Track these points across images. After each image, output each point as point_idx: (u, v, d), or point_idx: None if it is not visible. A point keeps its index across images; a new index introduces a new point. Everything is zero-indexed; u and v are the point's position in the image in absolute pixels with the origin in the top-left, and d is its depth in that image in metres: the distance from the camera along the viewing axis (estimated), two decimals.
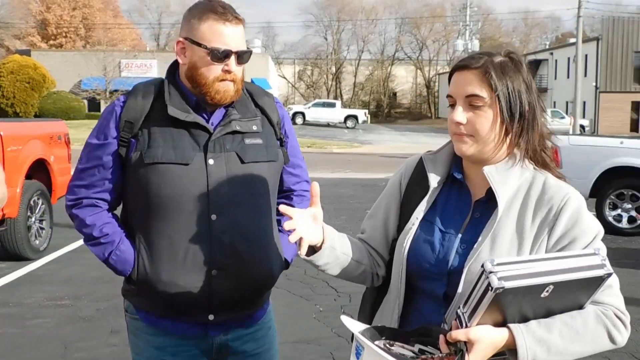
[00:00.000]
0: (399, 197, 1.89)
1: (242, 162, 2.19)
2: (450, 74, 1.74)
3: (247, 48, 2.20)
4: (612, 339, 1.60)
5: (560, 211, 1.64)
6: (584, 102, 39.12)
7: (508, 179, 1.69)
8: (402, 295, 1.78)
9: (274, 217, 2.32)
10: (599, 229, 1.66)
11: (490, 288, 1.41)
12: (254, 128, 2.25)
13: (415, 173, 1.88)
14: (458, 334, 1.49)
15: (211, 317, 2.19)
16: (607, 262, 1.51)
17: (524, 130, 1.69)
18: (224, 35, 2.13)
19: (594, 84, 48.34)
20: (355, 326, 1.61)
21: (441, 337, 1.54)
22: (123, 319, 2.38)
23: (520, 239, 1.65)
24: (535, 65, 62.15)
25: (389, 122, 75.89)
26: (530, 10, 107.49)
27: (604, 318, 1.59)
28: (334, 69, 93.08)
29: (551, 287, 1.46)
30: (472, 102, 1.67)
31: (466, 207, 1.76)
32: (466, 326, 1.50)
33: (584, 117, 38.91)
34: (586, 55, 41.69)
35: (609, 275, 1.50)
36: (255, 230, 2.22)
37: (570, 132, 34.49)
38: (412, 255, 1.75)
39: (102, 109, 33.20)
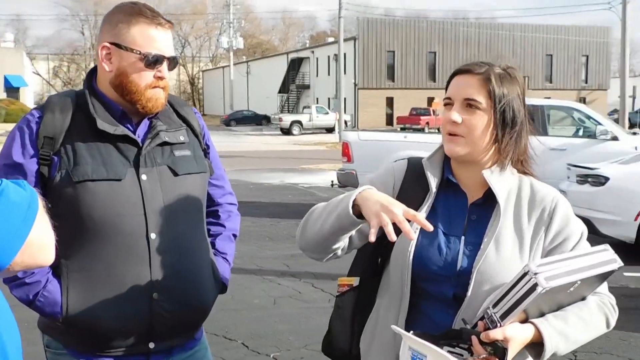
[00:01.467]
0: None
1: (175, 174, 2.06)
2: (450, 78, 1.82)
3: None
4: (608, 325, 1.77)
5: (554, 211, 1.79)
6: (345, 99, 41.42)
7: (503, 182, 1.80)
8: (407, 299, 1.80)
9: (206, 233, 2.21)
10: (584, 227, 1.82)
11: (536, 288, 1.50)
12: (182, 139, 2.14)
13: (408, 178, 1.90)
14: (495, 334, 1.56)
15: (152, 345, 2.02)
16: (617, 256, 1.67)
17: (512, 139, 1.79)
18: (157, 39, 2.00)
19: (353, 81, 51.36)
20: (407, 334, 1.61)
21: (474, 338, 1.59)
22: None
23: (520, 238, 1.76)
24: (298, 63, 64.62)
25: None
26: (288, 10, 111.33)
27: (603, 307, 1.76)
28: (92, 65, 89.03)
29: (578, 282, 1.59)
30: (469, 104, 1.76)
31: (463, 209, 1.83)
32: (499, 326, 1.57)
33: (345, 112, 41.14)
34: (345, 54, 44.01)
35: (619, 267, 1.66)
36: (193, 248, 2.10)
37: (336, 127, 36.44)
38: (418, 260, 1.77)
39: None
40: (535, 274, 1.52)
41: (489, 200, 1.80)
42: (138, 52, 1.97)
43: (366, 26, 52.08)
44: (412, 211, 1.58)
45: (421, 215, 1.58)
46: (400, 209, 1.57)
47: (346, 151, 11.58)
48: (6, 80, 51.92)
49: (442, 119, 1.82)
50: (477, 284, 1.70)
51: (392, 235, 1.54)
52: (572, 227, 1.79)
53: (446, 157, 1.88)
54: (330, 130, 44.88)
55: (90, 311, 1.95)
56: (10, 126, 43.82)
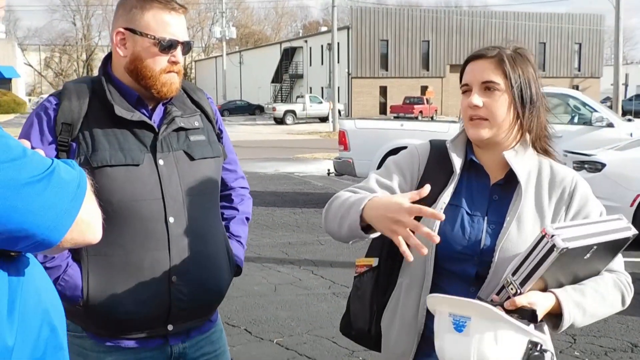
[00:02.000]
0: (415, 183, 1.92)
1: (192, 159, 2.09)
2: (464, 65, 1.87)
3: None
4: (624, 302, 1.81)
5: (574, 191, 1.84)
6: (338, 88, 41.44)
7: (524, 163, 1.85)
8: (431, 278, 1.84)
9: (220, 216, 2.23)
10: (602, 207, 1.86)
11: (554, 249, 1.54)
12: (196, 124, 2.16)
13: (431, 160, 1.94)
14: (520, 300, 1.61)
15: (170, 327, 2.05)
16: (631, 225, 1.72)
17: (533, 116, 1.84)
18: (170, 24, 2.02)
19: (347, 70, 51.32)
20: (448, 297, 1.63)
21: (500, 308, 1.62)
22: None
23: (541, 217, 1.81)
24: (291, 52, 64.48)
25: None
26: None
27: (619, 283, 1.80)
28: (84, 56, 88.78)
29: (595, 247, 1.63)
30: (488, 87, 1.80)
31: (485, 190, 1.88)
32: (519, 292, 1.62)
33: (338, 101, 41.14)
34: (338, 44, 43.96)
35: (635, 236, 1.71)
36: (209, 231, 2.13)
37: (330, 117, 36.43)
38: (442, 239, 1.78)
39: None
40: (552, 235, 1.56)
41: (510, 180, 1.85)
42: (152, 37, 1.98)
43: (359, 15, 52.01)
44: (416, 207, 1.57)
45: (424, 227, 1.58)
46: (407, 217, 1.57)
47: (343, 139, 11.60)
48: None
49: (462, 105, 1.86)
50: (500, 263, 1.75)
51: (407, 256, 1.59)
52: (591, 206, 1.84)
53: (468, 139, 1.92)
54: (323, 119, 44.91)
55: (110, 295, 1.97)
56: (2, 117, 43.65)
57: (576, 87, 51.98)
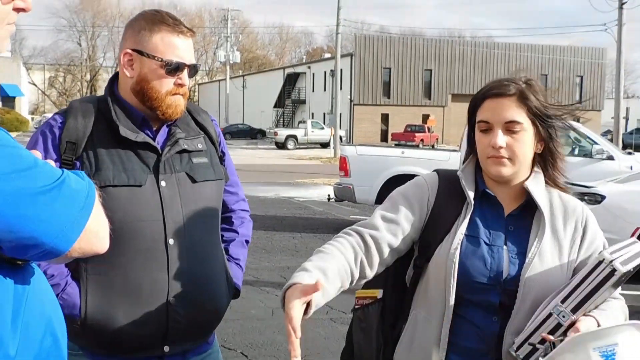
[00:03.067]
0: (424, 215, 1.92)
1: (194, 181, 2.10)
2: (481, 101, 1.86)
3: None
4: None
5: (586, 223, 1.88)
6: (340, 114, 41.61)
7: (541, 193, 1.87)
8: (452, 309, 1.83)
9: (220, 239, 2.24)
10: (604, 238, 1.91)
11: (615, 273, 1.63)
12: (200, 146, 2.17)
13: (441, 191, 1.93)
14: (582, 326, 1.65)
15: (167, 348, 2.05)
16: None
17: (553, 149, 1.88)
18: (178, 47, 2.04)
19: (349, 96, 51.55)
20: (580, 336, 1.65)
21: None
22: None
23: (560, 247, 1.84)
24: (294, 78, 64.84)
25: None
26: (285, 25, 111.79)
27: (624, 307, 1.86)
28: (89, 76, 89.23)
29: (632, 270, 1.69)
30: (510, 128, 1.81)
31: (501, 220, 1.89)
32: (572, 319, 1.67)
33: (340, 127, 41.27)
34: (341, 70, 44.19)
35: None
36: (209, 254, 2.13)
37: (331, 142, 36.50)
38: (463, 270, 1.82)
39: None
40: (611, 261, 1.63)
41: (525, 210, 1.87)
42: (159, 59, 2.01)
43: (363, 43, 52.38)
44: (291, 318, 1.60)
45: (294, 339, 1.60)
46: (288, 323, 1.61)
47: (344, 165, 11.63)
48: (2, 90, 51.92)
49: (481, 143, 1.86)
50: (526, 292, 1.78)
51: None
52: (600, 237, 1.90)
53: (477, 169, 1.93)
54: (325, 145, 45.00)
55: (107, 314, 1.97)
56: None
57: (577, 120, 52.14)
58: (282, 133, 46.84)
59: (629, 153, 12.41)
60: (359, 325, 1.99)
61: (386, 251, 1.86)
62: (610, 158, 11.20)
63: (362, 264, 1.81)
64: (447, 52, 54.38)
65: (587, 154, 11.33)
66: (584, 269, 1.70)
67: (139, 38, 2.03)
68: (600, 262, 1.65)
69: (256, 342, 5.54)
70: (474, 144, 1.91)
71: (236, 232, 2.34)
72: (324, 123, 51.02)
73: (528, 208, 1.87)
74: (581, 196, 8.45)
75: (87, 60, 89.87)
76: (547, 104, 1.85)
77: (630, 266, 1.65)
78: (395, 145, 34.83)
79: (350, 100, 51.93)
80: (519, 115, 1.81)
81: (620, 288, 1.86)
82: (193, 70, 2.09)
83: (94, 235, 1.28)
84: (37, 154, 1.29)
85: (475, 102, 1.88)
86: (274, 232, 11.20)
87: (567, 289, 1.70)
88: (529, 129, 1.83)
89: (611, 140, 25.75)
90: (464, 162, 1.97)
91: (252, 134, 58.38)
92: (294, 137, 46.15)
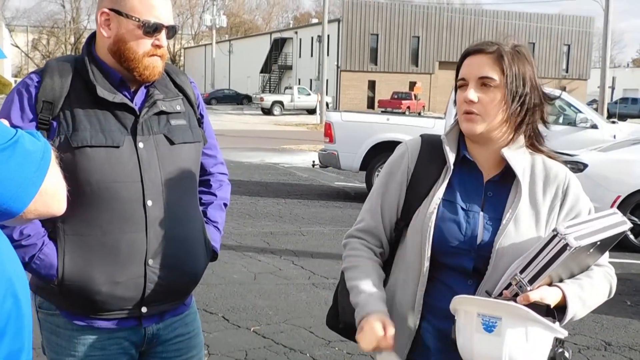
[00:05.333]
0: (406, 180, 1.95)
1: (172, 143, 2.09)
2: (462, 60, 1.87)
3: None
4: (610, 293, 1.89)
5: (567, 188, 1.88)
6: (327, 80, 41.38)
7: (519, 160, 1.87)
8: (427, 272, 1.86)
9: (198, 201, 2.24)
10: (591, 204, 1.91)
11: (568, 247, 1.60)
12: (178, 108, 2.16)
13: (422, 155, 1.95)
14: (533, 295, 1.66)
15: (144, 309, 2.06)
16: (625, 218, 1.78)
17: (526, 115, 1.85)
18: (156, 7, 2.01)
19: (336, 63, 51.24)
20: (477, 298, 1.68)
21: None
22: None
23: (537, 214, 1.84)
24: (281, 43, 64.27)
25: None
26: None
27: (608, 276, 1.87)
28: (73, 39, 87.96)
29: (598, 243, 1.69)
30: (484, 83, 1.81)
31: (479, 186, 1.90)
32: (528, 290, 1.67)
33: (327, 94, 41.07)
34: (328, 36, 43.82)
35: (629, 229, 1.74)
36: (187, 216, 2.13)
37: (318, 109, 36.37)
38: (438, 235, 1.83)
39: None
40: (565, 235, 1.61)
41: (505, 177, 1.87)
42: (137, 20, 1.98)
43: (351, 8, 51.92)
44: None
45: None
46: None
47: (329, 132, 11.60)
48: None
49: (458, 99, 1.87)
50: (498, 258, 1.79)
51: None
52: (582, 203, 1.89)
53: (461, 135, 1.93)
54: (311, 111, 44.82)
55: (85, 275, 1.97)
56: None
57: (563, 89, 52.25)
58: (269, 99, 46.58)
59: (613, 122, 12.46)
60: (344, 287, 2.01)
61: (384, 235, 1.99)
62: (594, 127, 11.24)
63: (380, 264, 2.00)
64: (435, 19, 54.07)
65: (571, 122, 11.37)
66: (540, 240, 1.70)
67: None
68: (554, 236, 1.64)
69: (237, 306, 5.58)
70: None
71: (214, 195, 2.34)
72: (311, 89, 50.75)
73: (508, 175, 1.87)
74: (564, 164, 8.52)
75: (71, 23, 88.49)
76: (524, 74, 1.83)
77: (585, 242, 1.63)
78: (382, 112, 34.76)
79: (337, 67, 51.65)
80: (493, 72, 1.81)
81: (607, 255, 1.88)
82: (172, 31, 2.07)
83: (50, 196, 1.26)
84: (5, 121, 1.25)
85: (460, 62, 1.89)
86: (259, 197, 11.21)
87: (525, 260, 1.69)
88: (501, 88, 1.81)
89: (596, 109, 25.83)
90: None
91: (238, 100, 58.02)
92: (280, 103, 45.92)
